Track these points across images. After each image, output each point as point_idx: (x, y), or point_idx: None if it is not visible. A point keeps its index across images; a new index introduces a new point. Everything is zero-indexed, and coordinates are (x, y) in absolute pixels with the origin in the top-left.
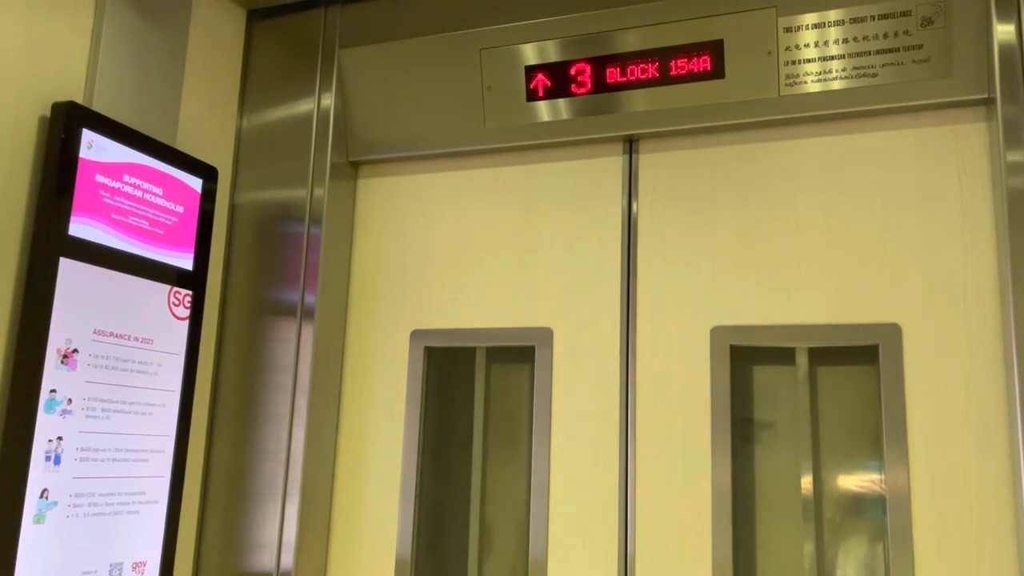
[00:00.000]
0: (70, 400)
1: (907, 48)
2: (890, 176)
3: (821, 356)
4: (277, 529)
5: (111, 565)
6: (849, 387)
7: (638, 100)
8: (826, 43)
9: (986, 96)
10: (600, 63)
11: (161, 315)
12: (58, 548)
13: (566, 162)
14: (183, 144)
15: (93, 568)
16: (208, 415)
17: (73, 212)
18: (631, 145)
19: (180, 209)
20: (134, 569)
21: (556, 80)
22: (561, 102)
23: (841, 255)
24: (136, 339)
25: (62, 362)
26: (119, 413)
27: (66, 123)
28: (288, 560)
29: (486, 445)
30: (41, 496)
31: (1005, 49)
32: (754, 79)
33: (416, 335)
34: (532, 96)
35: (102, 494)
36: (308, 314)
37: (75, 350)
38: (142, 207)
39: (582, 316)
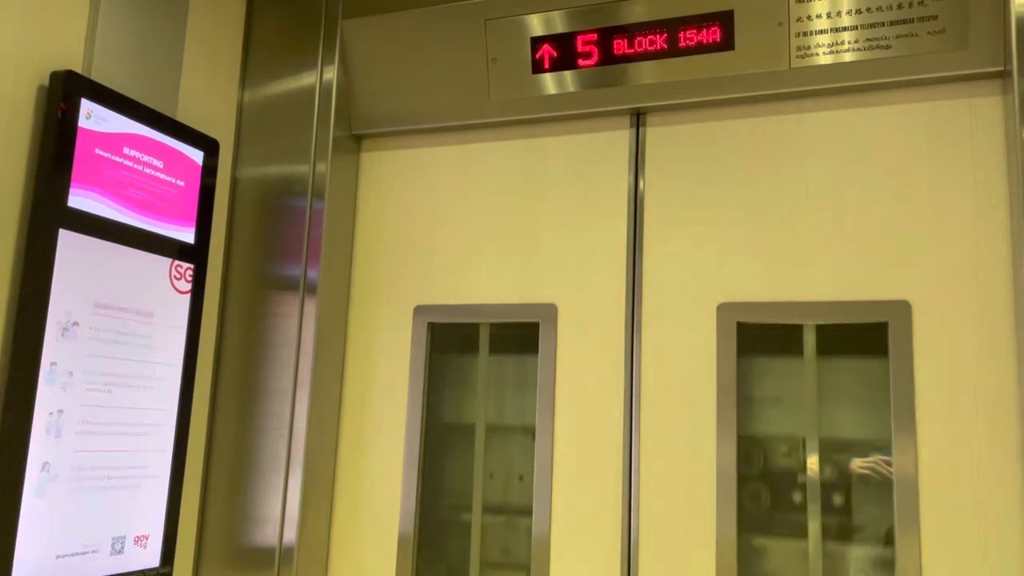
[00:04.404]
0: (71, 373)
1: (921, 19)
2: (902, 150)
3: (829, 333)
4: (280, 504)
5: (113, 538)
6: (858, 366)
7: (646, 72)
8: (838, 14)
9: (1002, 69)
10: (607, 34)
11: (163, 288)
12: (60, 521)
13: (572, 136)
14: (184, 116)
15: (95, 541)
16: (210, 389)
17: (72, 183)
18: (638, 118)
19: (181, 182)
20: (136, 543)
21: (562, 52)
22: (567, 74)
23: (850, 231)
24: (137, 312)
25: (63, 334)
26: (120, 386)
27: (65, 92)
28: (291, 535)
29: (489, 422)
30: (42, 469)
31: (1022, 21)
32: (764, 51)
33: (419, 311)
34: (538, 68)
35: (103, 467)
36: (311, 289)
37: (76, 323)
38: (142, 179)
39: (587, 292)
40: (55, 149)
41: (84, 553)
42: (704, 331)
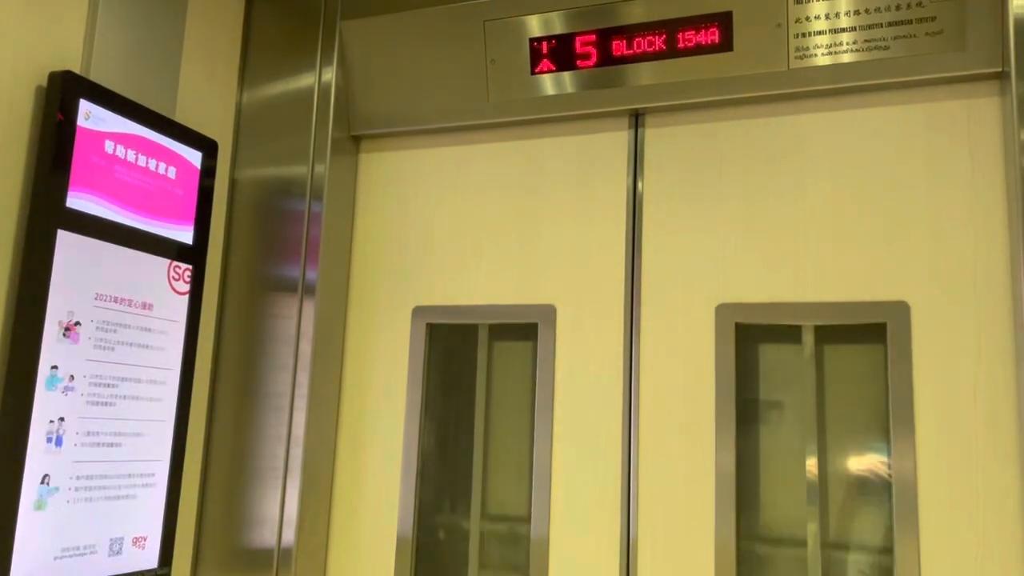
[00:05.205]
0: (72, 377)
1: (920, 20)
2: (900, 152)
3: (828, 334)
4: (278, 505)
5: (111, 540)
6: (856, 366)
7: (644, 73)
8: (837, 15)
9: (1000, 70)
10: (606, 35)
11: (161, 289)
12: (58, 531)
13: (571, 137)
14: (182, 117)
15: (93, 542)
16: (209, 392)
17: (71, 184)
18: (637, 119)
19: (179, 183)
20: (134, 544)
21: (561, 53)
22: (566, 75)
23: (849, 232)
24: (137, 313)
25: (64, 335)
26: (121, 390)
27: (63, 93)
28: (289, 536)
29: (488, 423)
30: (42, 482)
31: (1020, 22)
32: (763, 52)
33: (418, 312)
34: (537, 69)
35: (104, 476)
36: (309, 290)
37: (77, 323)
38: (141, 180)
39: (586, 293)
40: (53, 150)
41: (82, 554)
42: (703, 332)
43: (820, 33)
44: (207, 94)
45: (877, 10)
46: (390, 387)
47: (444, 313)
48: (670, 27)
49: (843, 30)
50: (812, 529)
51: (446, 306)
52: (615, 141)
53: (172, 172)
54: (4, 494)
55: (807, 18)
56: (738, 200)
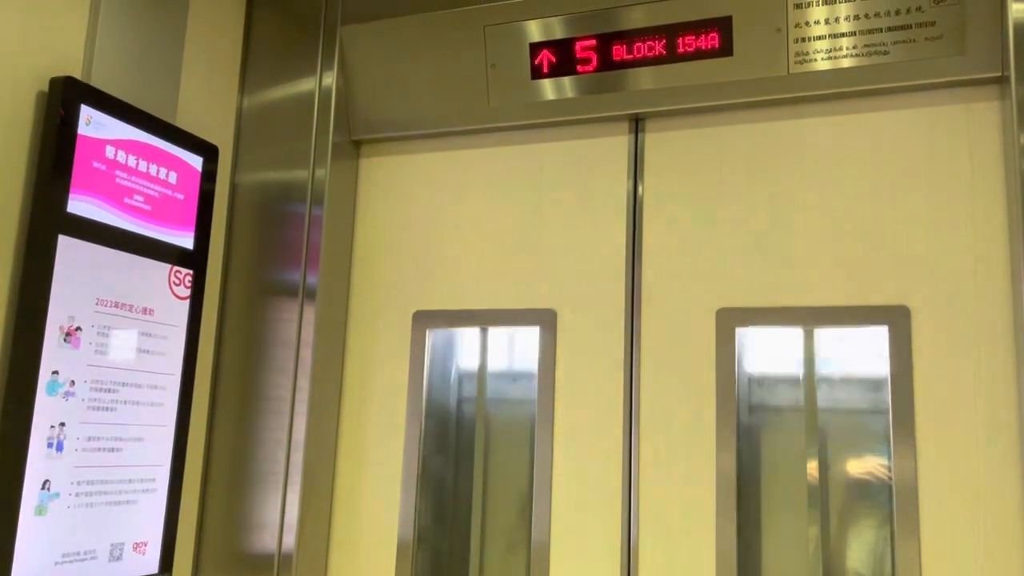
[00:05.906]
0: (72, 382)
1: (919, 25)
2: (900, 156)
3: (828, 338)
4: (279, 510)
5: (112, 545)
6: (856, 370)
7: (644, 78)
8: (837, 19)
9: (999, 74)
10: (606, 40)
11: (162, 294)
12: (58, 536)
13: (571, 141)
14: (183, 122)
15: (94, 547)
16: (209, 396)
17: (72, 189)
18: (637, 124)
19: (180, 188)
20: (135, 549)
21: (561, 57)
22: (566, 80)
23: (849, 236)
24: (138, 319)
25: (64, 340)
26: (122, 395)
27: (64, 99)
28: (290, 541)
29: (488, 427)
30: (43, 487)
31: (1020, 26)
32: (763, 57)
33: (418, 316)
34: (537, 74)
35: (105, 481)
36: (310, 295)
37: (78, 327)
38: (142, 185)
39: (586, 297)
40: (54, 155)
41: (83, 560)
42: (703, 335)
43: (820, 38)
44: (208, 99)
45: (877, 15)
46: (391, 391)
47: (445, 318)
48: (670, 32)
49: (843, 35)
50: (813, 532)
51: (447, 310)
52: (615, 146)
53: (173, 177)
54: (5, 499)
55: (807, 23)
56: (738, 204)
